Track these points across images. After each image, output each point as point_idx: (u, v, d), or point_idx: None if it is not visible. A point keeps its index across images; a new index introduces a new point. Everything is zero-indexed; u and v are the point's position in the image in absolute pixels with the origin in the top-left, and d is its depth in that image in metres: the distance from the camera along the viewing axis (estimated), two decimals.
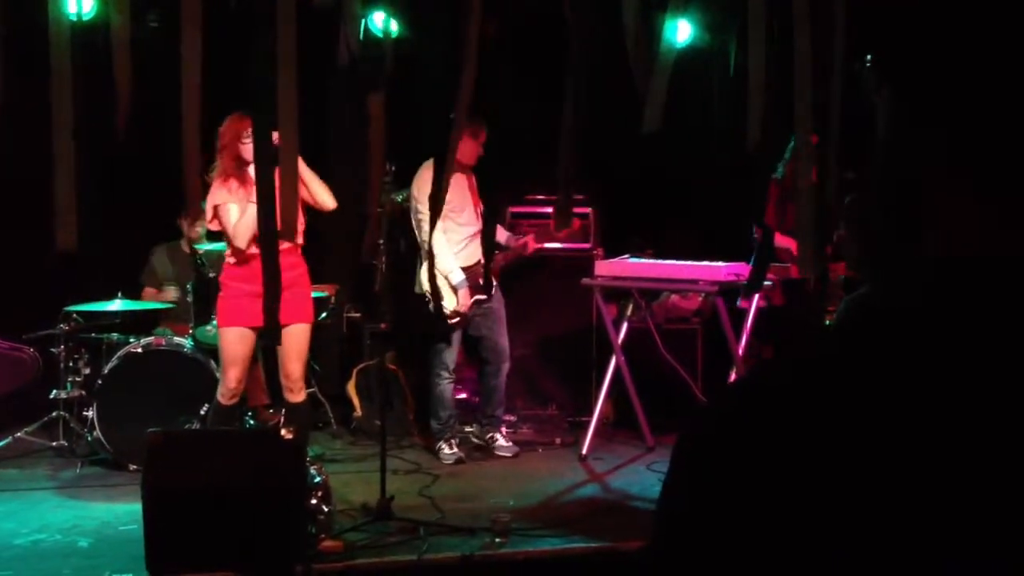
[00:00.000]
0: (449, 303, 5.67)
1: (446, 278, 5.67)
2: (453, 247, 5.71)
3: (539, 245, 6.10)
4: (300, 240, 4.92)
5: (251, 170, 4.71)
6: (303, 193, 4.81)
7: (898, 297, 0.85)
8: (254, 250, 4.76)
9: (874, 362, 0.80)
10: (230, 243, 4.84)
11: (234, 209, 4.75)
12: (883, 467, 0.76)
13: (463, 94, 3.93)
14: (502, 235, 5.96)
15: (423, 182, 5.69)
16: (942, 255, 0.81)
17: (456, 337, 5.84)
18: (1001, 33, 0.75)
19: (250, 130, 4.63)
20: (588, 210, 6.55)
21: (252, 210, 4.69)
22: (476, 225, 5.82)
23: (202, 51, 3.76)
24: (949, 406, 0.77)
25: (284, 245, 4.78)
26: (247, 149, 4.69)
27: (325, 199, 4.90)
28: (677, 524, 0.85)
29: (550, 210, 5.85)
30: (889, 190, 0.85)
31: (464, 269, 5.73)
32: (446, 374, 5.85)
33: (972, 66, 0.77)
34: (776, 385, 0.85)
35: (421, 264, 5.75)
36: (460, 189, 5.71)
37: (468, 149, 5.64)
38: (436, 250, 5.56)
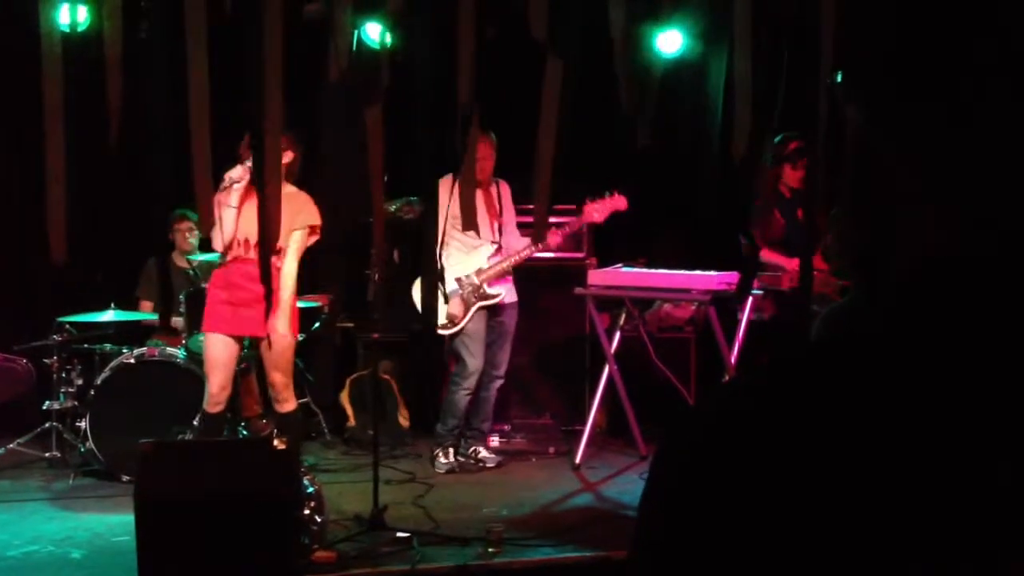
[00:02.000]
0: (440, 314, 5.73)
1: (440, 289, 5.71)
2: (456, 256, 5.74)
3: (562, 240, 5.89)
4: (282, 264, 4.94)
5: (236, 168, 4.75)
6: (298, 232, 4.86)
7: (875, 303, 0.86)
8: (233, 252, 4.80)
9: (855, 369, 0.81)
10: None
11: (227, 212, 4.78)
12: (867, 472, 0.77)
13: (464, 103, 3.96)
14: (521, 241, 5.95)
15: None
16: (916, 260, 0.83)
17: (479, 346, 5.82)
18: (967, 48, 0.77)
19: None
20: (582, 207, 6.53)
21: (230, 214, 4.73)
22: (490, 237, 5.82)
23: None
24: (931, 411, 0.78)
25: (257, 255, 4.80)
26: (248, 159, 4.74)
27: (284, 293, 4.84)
28: (659, 533, 0.85)
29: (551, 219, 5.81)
30: (858, 200, 0.86)
31: (462, 279, 5.75)
32: (466, 384, 5.83)
33: (938, 79, 0.78)
34: (761, 390, 0.86)
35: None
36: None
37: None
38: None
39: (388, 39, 4.99)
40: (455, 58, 4.02)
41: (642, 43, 5.28)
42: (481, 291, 5.78)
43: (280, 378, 4.91)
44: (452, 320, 5.74)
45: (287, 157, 4.74)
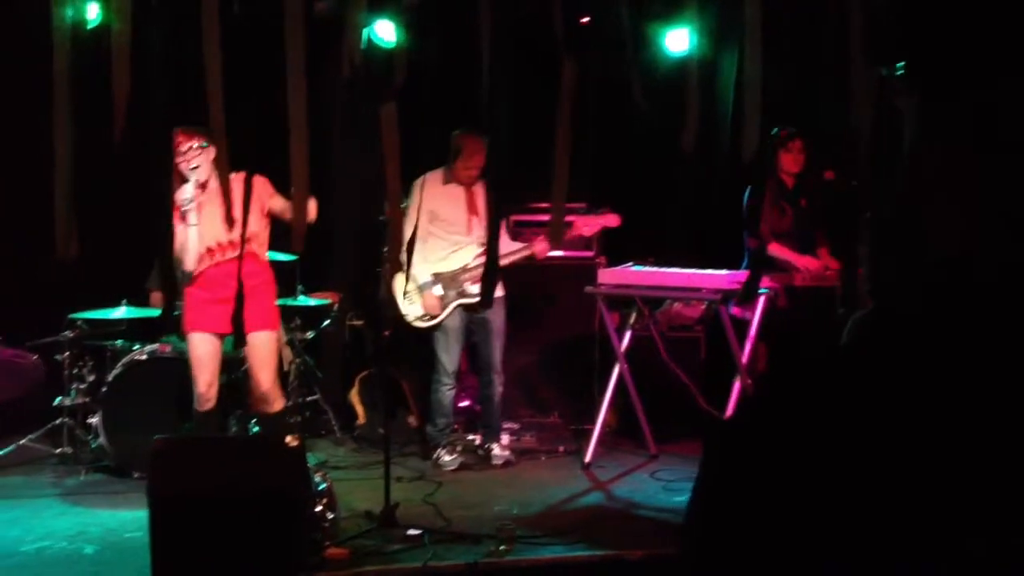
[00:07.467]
0: (416, 307, 5.79)
1: (413, 280, 5.79)
2: (438, 252, 5.77)
3: (551, 251, 5.99)
4: (263, 252, 4.95)
5: (186, 188, 4.75)
6: (275, 207, 4.86)
7: (910, 302, 0.86)
8: (205, 264, 4.80)
9: (886, 373, 0.82)
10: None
11: (179, 232, 4.78)
12: (890, 469, 0.78)
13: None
14: (511, 245, 5.96)
15: (409, 197, 5.80)
16: (964, 256, 0.83)
17: (453, 343, 5.85)
18: None
19: (185, 146, 4.70)
20: (571, 219, 6.52)
21: (194, 232, 4.74)
22: (471, 236, 5.83)
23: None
24: (955, 413, 0.78)
25: (230, 255, 4.80)
26: (182, 165, 4.74)
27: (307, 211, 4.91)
28: (698, 523, 0.86)
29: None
30: (912, 194, 0.86)
31: (441, 274, 5.79)
32: (445, 380, 5.87)
33: (1012, 75, 0.78)
34: (796, 398, 0.87)
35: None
36: (453, 200, 5.78)
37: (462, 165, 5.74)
38: (403, 257, 5.71)
39: (401, 37, 4.99)
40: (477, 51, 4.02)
41: (654, 40, 5.30)
42: (462, 289, 5.82)
43: (267, 377, 4.91)
44: (430, 313, 5.78)
45: (212, 153, 4.74)
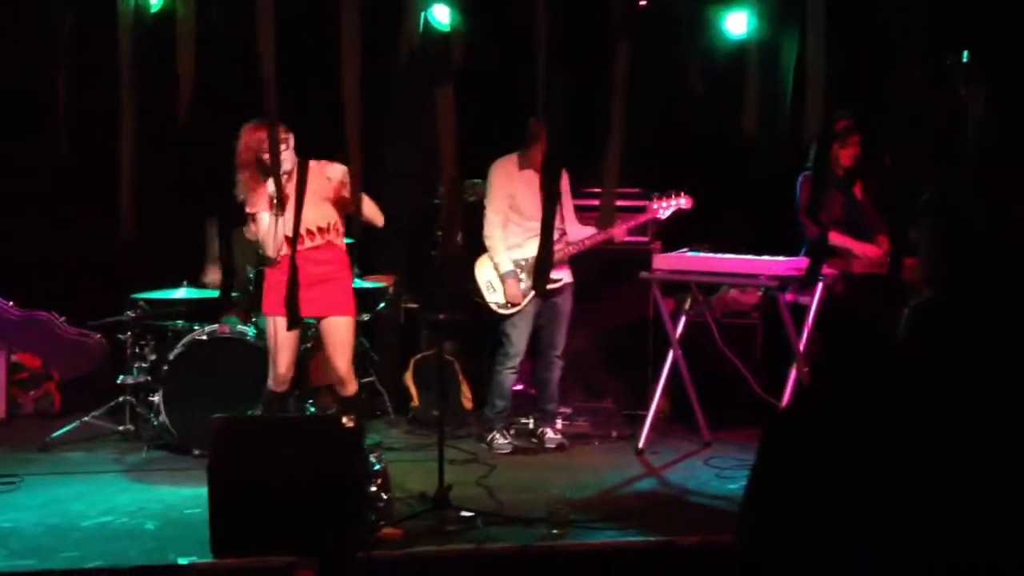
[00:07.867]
0: (499, 294, 5.77)
1: (496, 268, 5.77)
2: (513, 239, 5.77)
3: (627, 236, 5.94)
4: (340, 239, 4.98)
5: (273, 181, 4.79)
6: (345, 195, 4.89)
7: (979, 296, 0.85)
8: (285, 251, 4.82)
9: (945, 363, 0.81)
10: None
11: (265, 218, 4.82)
12: (937, 462, 0.77)
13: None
14: (582, 232, 5.94)
15: (489, 182, 5.78)
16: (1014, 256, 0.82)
17: (526, 329, 5.85)
18: None
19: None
20: (646, 204, 6.50)
21: (273, 221, 4.76)
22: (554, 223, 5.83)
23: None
24: (1001, 408, 0.78)
25: (317, 241, 4.84)
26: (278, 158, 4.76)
27: (375, 216, 4.94)
28: (759, 509, 0.86)
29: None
30: (980, 187, 0.85)
31: (522, 263, 5.77)
32: (511, 364, 5.87)
33: None
34: (853, 387, 0.86)
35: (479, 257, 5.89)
36: (528, 186, 5.75)
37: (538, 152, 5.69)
38: (488, 243, 5.78)
39: (456, 20, 5.00)
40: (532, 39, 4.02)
41: (714, 24, 5.25)
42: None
43: (343, 364, 4.94)
44: (512, 302, 5.78)
45: (291, 142, 4.77)
